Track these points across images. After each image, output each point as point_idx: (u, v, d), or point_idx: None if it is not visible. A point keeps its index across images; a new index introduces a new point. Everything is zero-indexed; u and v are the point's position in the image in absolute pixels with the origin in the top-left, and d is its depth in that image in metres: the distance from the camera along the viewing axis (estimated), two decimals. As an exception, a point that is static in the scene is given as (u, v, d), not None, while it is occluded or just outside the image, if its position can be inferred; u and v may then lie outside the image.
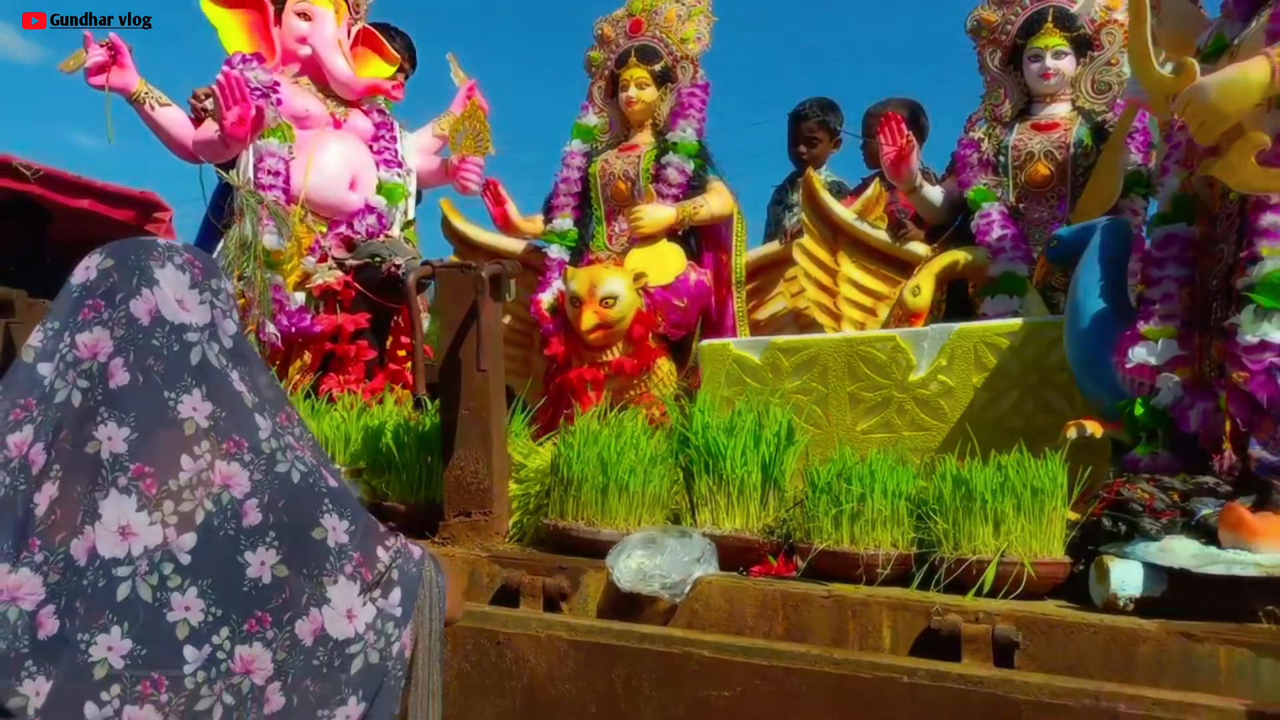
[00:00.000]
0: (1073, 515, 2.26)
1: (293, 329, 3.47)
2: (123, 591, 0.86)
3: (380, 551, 1.00)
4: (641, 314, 3.81)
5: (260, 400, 0.95)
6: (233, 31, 3.61)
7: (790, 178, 5.15)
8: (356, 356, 3.52)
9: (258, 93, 3.35)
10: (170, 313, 0.89)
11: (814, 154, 5.07)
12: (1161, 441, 2.37)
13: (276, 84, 3.56)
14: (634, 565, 2.29)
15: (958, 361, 2.92)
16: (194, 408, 0.91)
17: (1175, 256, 2.47)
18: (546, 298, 4.07)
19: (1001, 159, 3.62)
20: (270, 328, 3.41)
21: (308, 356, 3.58)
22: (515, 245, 4.42)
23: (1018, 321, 2.92)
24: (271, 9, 3.54)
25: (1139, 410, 2.39)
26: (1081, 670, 1.94)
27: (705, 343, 3.28)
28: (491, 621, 2.35)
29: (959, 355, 2.91)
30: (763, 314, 4.13)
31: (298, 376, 3.60)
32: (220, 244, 3.56)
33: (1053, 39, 3.55)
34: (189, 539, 0.89)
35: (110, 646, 0.86)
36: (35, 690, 0.84)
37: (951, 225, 3.75)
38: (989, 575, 2.12)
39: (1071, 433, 2.48)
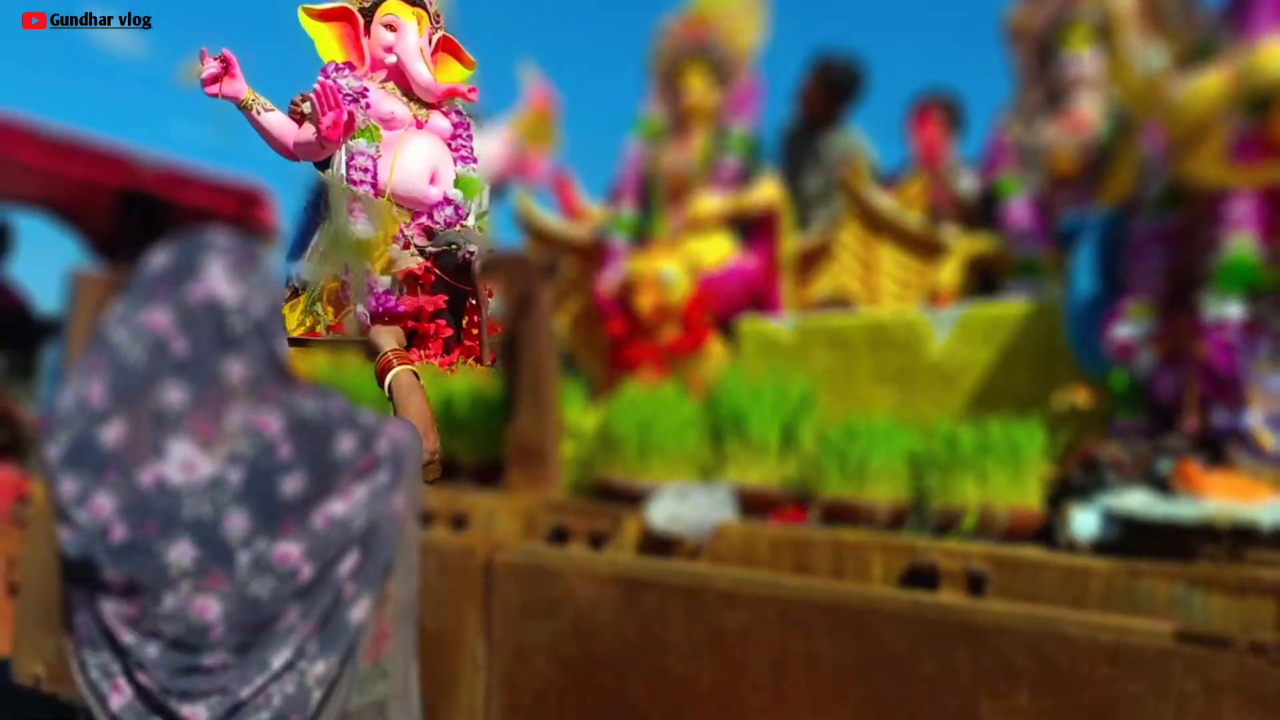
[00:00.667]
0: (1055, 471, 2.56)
1: (380, 309, 3.91)
2: (188, 512, 1.24)
3: (381, 444, 1.34)
4: (694, 296, 4.16)
5: (282, 360, 1.31)
6: (328, 42, 4.05)
7: (802, 129, 5.00)
8: (436, 333, 3.93)
9: (349, 98, 3.79)
10: (214, 296, 1.25)
11: (818, 112, 4.93)
12: (1140, 408, 2.65)
13: (365, 89, 3.98)
14: (666, 511, 2.65)
15: (970, 338, 3.21)
16: (235, 370, 1.27)
17: (1159, 243, 2.74)
18: (609, 281, 4.45)
19: (1030, 151, 3.87)
20: (360, 308, 3.86)
21: (394, 333, 4.02)
22: (582, 232, 4.80)
23: (1025, 302, 3.20)
24: (361, 21, 3.98)
25: (1119, 380, 2.68)
26: (1042, 600, 2.24)
27: (744, 321, 3.62)
28: (545, 559, 2.74)
29: (971, 332, 3.21)
30: (810, 294, 4.45)
31: (385, 351, 4.04)
32: (316, 233, 4.03)
33: (1080, 38, 3.79)
34: (236, 472, 1.26)
35: (182, 552, 1.23)
36: (108, 580, 1.23)
37: (983, 213, 4.02)
38: (969, 520, 2.44)
39: (1061, 400, 2.78)
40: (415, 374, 1.76)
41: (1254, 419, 2.39)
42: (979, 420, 2.66)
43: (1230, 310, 2.44)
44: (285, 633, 1.24)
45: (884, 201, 4.19)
